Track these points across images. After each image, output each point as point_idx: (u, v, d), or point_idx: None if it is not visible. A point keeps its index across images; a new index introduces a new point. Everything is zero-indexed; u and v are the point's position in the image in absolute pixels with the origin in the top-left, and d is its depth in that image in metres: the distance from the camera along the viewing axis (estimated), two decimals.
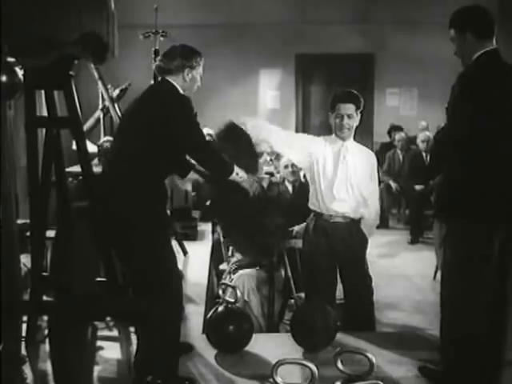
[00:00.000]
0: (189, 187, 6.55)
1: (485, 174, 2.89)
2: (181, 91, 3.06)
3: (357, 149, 3.85)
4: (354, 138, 3.87)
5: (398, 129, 8.42)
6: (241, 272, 4.30)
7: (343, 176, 3.73)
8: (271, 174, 5.90)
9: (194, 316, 4.13)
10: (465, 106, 2.86)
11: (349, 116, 3.72)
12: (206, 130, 7.44)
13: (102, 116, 6.90)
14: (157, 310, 2.94)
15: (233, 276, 4.33)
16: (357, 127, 3.81)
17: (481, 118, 2.83)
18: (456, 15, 3.01)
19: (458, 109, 2.91)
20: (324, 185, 3.75)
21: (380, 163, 4.17)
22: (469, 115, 2.85)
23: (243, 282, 4.20)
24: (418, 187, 7.29)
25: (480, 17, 2.98)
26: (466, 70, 2.95)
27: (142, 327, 3.08)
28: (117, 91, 6.73)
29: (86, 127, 3.75)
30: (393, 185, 7.68)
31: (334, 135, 3.83)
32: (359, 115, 3.79)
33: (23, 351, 3.33)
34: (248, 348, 3.48)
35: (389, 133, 8.75)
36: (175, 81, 3.07)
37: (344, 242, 3.78)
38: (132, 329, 3.65)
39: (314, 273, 3.82)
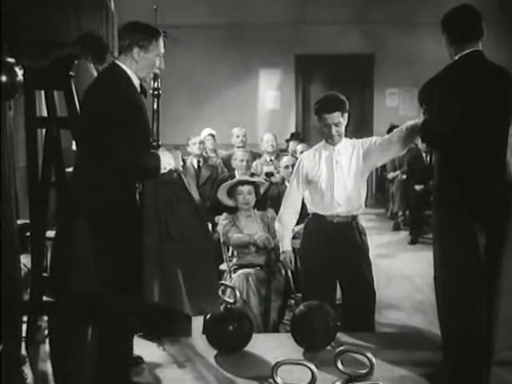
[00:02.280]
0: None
1: (460, 169, 2.92)
2: (129, 74, 2.82)
3: (348, 146, 3.80)
4: (352, 137, 3.87)
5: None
6: (240, 272, 4.30)
7: (340, 180, 3.71)
8: (271, 174, 5.88)
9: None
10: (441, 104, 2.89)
11: (336, 124, 3.69)
12: (207, 131, 7.42)
13: None
14: None
15: (233, 275, 4.33)
16: (347, 126, 3.77)
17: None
18: (442, 17, 3.06)
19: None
20: (324, 191, 3.72)
21: None
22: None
23: (243, 282, 4.19)
24: (417, 187, 7.29)
25: (456, 19, 3.01)
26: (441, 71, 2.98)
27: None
28: None
29: None
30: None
31: (324, 141, 3.82)
32: (346, 117, 3.74)
33: (23, 351, 3.33)
34: (248, 348, 3.48)
35: (388, 133, 8.74)
36: (124, 62, 2.83)
37: (347, 240, 3.75)
38: None
39: (315, 275, 3.77)
